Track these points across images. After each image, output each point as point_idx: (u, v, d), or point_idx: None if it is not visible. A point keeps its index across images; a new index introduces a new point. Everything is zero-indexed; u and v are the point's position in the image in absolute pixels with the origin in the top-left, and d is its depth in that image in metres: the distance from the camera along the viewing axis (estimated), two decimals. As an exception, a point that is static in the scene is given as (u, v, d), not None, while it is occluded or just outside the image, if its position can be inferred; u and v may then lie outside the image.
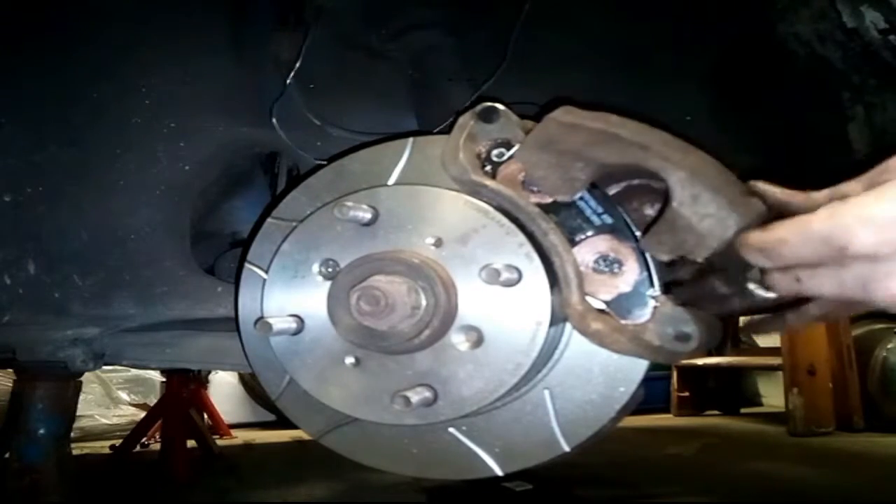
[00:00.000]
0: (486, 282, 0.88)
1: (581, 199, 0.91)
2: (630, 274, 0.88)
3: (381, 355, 0.93)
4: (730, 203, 0.79)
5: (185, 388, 4.46)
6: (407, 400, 0.87)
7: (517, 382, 0.89)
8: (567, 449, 0.93)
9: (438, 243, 0.91)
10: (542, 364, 0.92)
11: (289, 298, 0.99)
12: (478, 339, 0.89)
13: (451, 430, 0.96)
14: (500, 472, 0.95)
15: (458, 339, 0.90)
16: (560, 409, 0.94)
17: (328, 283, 0.95)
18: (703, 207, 0.80)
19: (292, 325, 0.97)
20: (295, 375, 0.99)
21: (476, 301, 0.89)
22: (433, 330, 0.89)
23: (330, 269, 0.96)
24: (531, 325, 0.87)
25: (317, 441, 1.06)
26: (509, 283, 0.87)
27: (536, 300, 0.87)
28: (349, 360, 0.95)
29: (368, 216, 0.94)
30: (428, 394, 0.90)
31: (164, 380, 4.75)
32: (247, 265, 1.07)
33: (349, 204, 0.93)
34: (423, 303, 0.88)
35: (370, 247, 0.94)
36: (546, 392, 0.94)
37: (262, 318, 0.97)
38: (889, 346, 4.94)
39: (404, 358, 0.92)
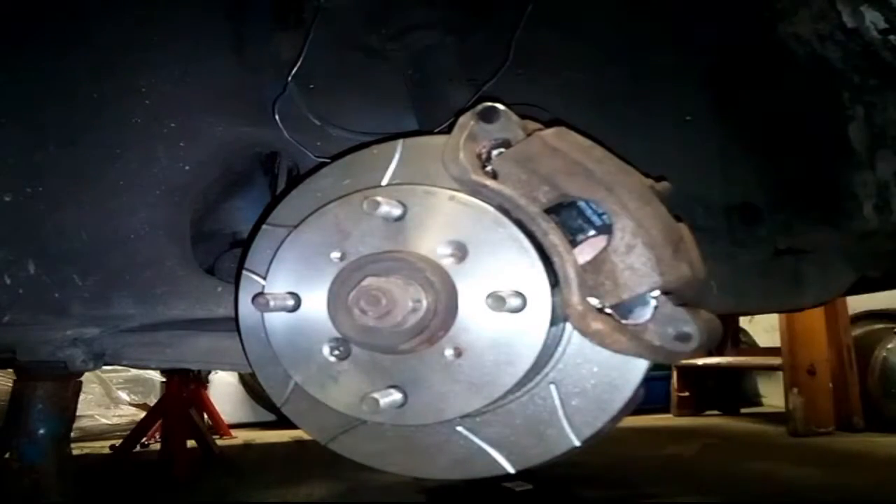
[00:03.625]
0: (490, 308, 0.88)
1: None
2: (630, 274, 0.88)
3: (369, 353, 0.94)
4: (657, 262, 0.85)
5: (185, 388, 4.46)
6: (375, 402, 0.89)
7: (487, 404, 0.91)
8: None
9: (454, 255, 0.92)
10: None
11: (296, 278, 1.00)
12: (462, 353, 0.90)
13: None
14: (511, 470, 0.95)
15: (447, 351, 0.91)
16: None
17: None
18: (631, 259, 0.86)
19: (289, 302, 0.98)
20: (279, 354, 1.01)
21: (474, 322, 0.90)
22: (428, 335, 0.90)
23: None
24: (519, 354, 0.88)
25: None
26: (512, 310, 0.87)
27: (532, 332, 0.88)
28: (331, 347, 0.97)
29: (398, 212, 0.94)
30: (398, 396, 0.91)
31: (164, 380, 4.76)
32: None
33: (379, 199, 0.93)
34: (421, 314, 0.89)
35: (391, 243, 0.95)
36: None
37: (260, 293, 0.99)
38: (889, 346, 4.94)
39: (388, 358, 0.93)
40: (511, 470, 0.95)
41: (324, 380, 0.97)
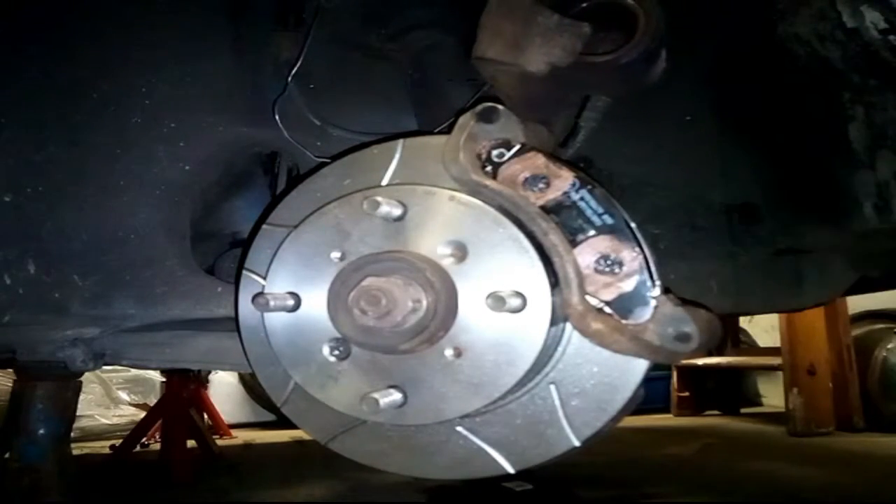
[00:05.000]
0: (490, 308, 0.88)
1: (581, 199, 0.91)
2: (631, 274, 0.88)
3: (369, 353, 0.94)
4: None
5: (185, 388, 4.46)
6: (375, 402, 0.89)
7: (487, 404, 0.91)
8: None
9: (454, 255, 0.92)
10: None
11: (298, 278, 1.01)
12: (462, 353, 0.90)
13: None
14: (511, 470, 0.95)
15: (447, 351, 0.91)
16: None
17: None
18: None
19: (289, 302, 0.98)
20: (279, 353, 1.01)
21: (474, 322, 0.90)
22: (428, 335, 0.90)
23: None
24: (519, 354, 0.88)
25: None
26: (512, 310, 0.87)
27: (532, 332, 0.88)
28: (331, 346, 0.97)
29: (398, 212, 0.94)
30: (398, 396, 0.91)
31: (164, 380, 4.76)
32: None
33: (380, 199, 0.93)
34: (421, 314, 0.90)
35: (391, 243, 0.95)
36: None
37: (260, 293, 0.99)
38: (889, 346, 4.94)
39: (388, 358, 0.93)
40: (511, 470, 0.95)
41: (324, 380, 0.97)
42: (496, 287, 0.89)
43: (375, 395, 0.90)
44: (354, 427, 1.01)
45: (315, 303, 0.97)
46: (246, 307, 1.07)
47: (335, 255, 0.97)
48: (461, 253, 0.92)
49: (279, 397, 1.06)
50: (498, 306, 0.87)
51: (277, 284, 1.01)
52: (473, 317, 0.90)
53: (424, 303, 0.90)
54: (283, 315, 1.00)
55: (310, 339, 0.98)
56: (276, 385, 1.06)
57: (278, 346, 1.01)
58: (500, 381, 0.89)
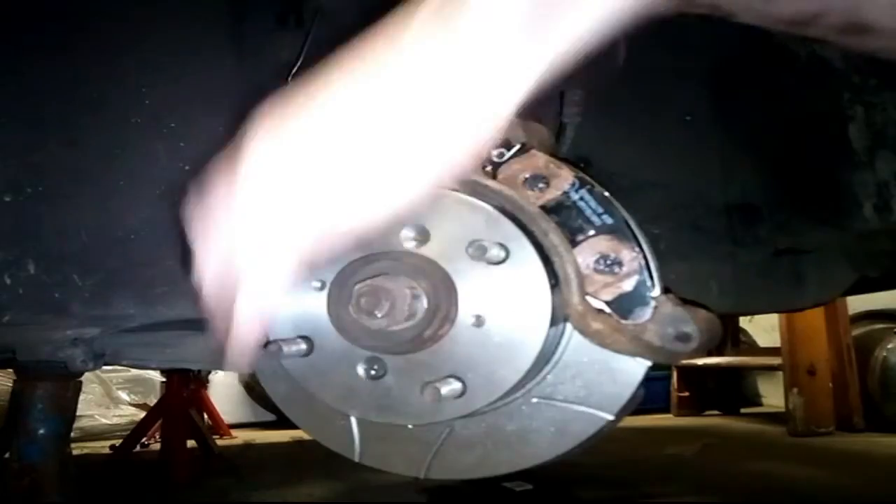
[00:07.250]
0: (473, 258, 0.86)
1: (581, 199, 0.91)
2: (631, 274, 0.88)
3: (398, 357, 0.91)
4: None
5: (185, 388, 4.46)
6: (437, 391, 0.83)
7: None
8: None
9: (417, 238, 0.90)
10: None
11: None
12: (482, 320, 0.87)
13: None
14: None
15: (466, 320, 0.87)
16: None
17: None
18: None
19: (302, 346, 0.93)
20: (319, 395, 0.95)
21: (471, 283, 0.87)
22: (440, 319, 0.87)
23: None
24: (531, 298, 0.86)
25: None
26: (497, 261, 0.85)
27: (530, 276, 0.86)
28: (366, 368, 0.91)
29: None
30: (457, 384, 0.86)
31: (164, 380, 4.76)
32: None
33: None
34: (423, 302, 0.88)
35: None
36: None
37: (270, 341, 0.92)
38: (889, 346, 4.94)
39: (422, 354, 0.90)
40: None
41: (377, 402, 0.92)
42: None
43: (437, 385, 0.84)
44: (443, 444, 0.94)
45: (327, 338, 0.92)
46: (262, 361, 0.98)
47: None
48: None
49: (351, 451, 0.97)
50: None
51: (280, 331, 0.95)
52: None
53: (425, 303, 0.89)
54: (303, 360, 0.94)
55: (342, 370, 0.92)
56: (337, 437, 0.97)
57: (317, 390, 0.94)
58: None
